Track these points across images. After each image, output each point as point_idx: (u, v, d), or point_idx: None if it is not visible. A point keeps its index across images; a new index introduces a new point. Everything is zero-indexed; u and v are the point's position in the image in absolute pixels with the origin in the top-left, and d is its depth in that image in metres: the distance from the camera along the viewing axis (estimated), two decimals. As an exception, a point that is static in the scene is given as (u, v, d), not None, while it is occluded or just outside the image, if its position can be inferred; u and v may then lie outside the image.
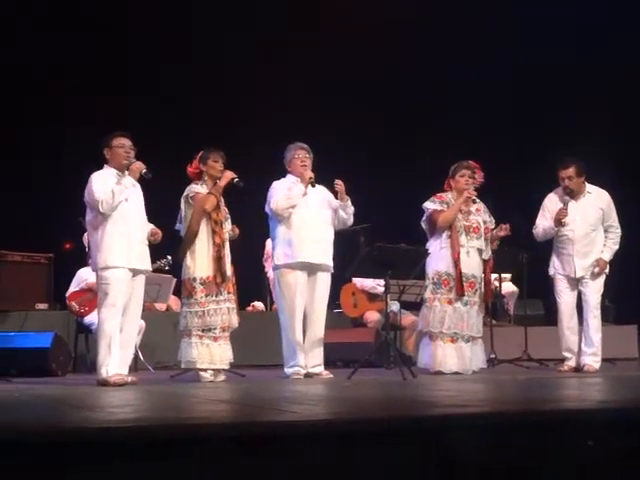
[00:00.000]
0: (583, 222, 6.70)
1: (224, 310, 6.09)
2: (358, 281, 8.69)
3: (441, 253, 6.59)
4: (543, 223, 6.81)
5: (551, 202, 6.83)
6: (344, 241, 7.28)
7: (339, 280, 7.61)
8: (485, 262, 6.75)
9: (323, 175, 6.59)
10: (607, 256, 6.72)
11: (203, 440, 2.43)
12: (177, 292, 7.54)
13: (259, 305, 9.74)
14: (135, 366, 7.24)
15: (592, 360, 6.61)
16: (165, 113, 10.36)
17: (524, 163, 10.31)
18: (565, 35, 10.42)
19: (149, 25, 10.16)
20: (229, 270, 6.17)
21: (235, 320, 6.18)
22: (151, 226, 5.90)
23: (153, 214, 5.99)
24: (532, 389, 5.05)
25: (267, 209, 6.55)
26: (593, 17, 10.34)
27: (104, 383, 5.45)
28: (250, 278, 8.85)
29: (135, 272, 5.70)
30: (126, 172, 5.73)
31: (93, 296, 6.89)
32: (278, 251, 6.54)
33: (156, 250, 6.17)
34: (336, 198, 6.57)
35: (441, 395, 4.37)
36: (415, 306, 7.78)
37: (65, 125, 9.88)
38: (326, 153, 6.78)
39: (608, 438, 2.76)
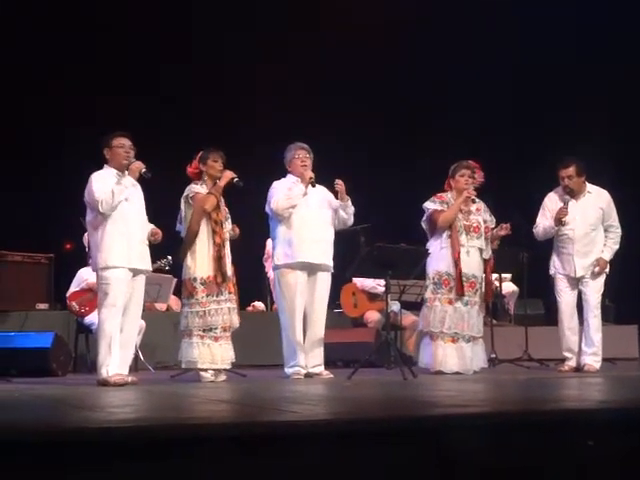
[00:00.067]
0: (583, 221, 6.70)
1: (225, 310, 6.09)
2: (358, 281, 8.69)
3: (441, 253, 6.59)
4: (543, 222, 6.81)
5: (551, 201, 6.83)
6: (344, 241, 7.28)
7: (339, 280, 7.61)
8: (486, 262, 6.76)
9: (323, 175, 6.59)
10: (607, 256, 6.72)
11: (203, 440, 2.43)
12: (177, 292, 7.54)
13: (259, 305, 9.74)
14: (135, 366, 7.24)
15: (592, 360, 6.61)
16: (165, 113, 10.37)
17: (524, 163, 10.31)
18: (565, 35, 10.42)
19: (149, 25, 10.16)
20: (230, 270, 6.17)
21: (236, 320, 6.18)
22: (151, 226, 5.90)
23: (153, 214, 5.99)
24: (532, 389, 5.05)
25: (267, 209, 6.55)
26: (593, 17, 10.34)
27: (104, 383, 5.45)
28: (250, 278, 8.85)
29: (135, 272, 5.70)
30: (126, 172, 5.73)
31: (93, 296, 6.88)
32: (278, 251, 6.54)
33: (156, 250, 6.17)
34: (336, 198, 6.57)
35: (441, 395, 4.37)
36: (415, 306, 7.78)
37: (65, 125, 9.89)
38: (326, 153, 6.78)
39: (608, 438, 2.76)
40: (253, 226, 7.16)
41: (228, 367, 6.17)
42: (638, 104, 9.77)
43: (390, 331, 6.55)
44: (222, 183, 6.18)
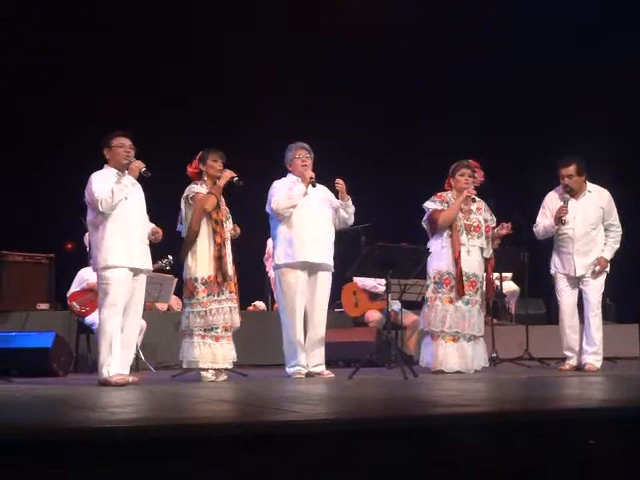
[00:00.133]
0: (583, 221, 6.69)
1: (226, 309, 6.09)
2: (359, 280, 8.69)
3: (442, 252, 6.59)
4: (543, 221, 6.81)
5: (551, 200, 6.83)
6: (345, 240, 7.28)
7: (340, 279, 7.60)
8: (486, 261, 6.76)
9: (323, 175, 6.59)
10: (608, 255, 6.71)
11: (204, 440, 2.43)
12: (178, 292, 7.54)
13: (260, 305, 9.74)
14: (136, 366, 7.24)
15: (593, 359, 6.60)
16: (165, 113, 10.36)
17: (524, 162, 10.31)
18: (565, 35, 10.42)
19: (149, 25, 10.17)
20: (231, 269, 6.17)
21: (237, 319, 6.18)
22: (152, 225, 5.90)
23: (153, 214, 5.99)
24: (533, 388, 5.05)
25: (268, 209, 6.55)
26: (593, 17, 10.34)
27: (105, 383, 5.45)
28: (251, 278, 8.85)
29: (136, 271, 5.69)
30: (126, 172, 5.73)
31: (94, 296, 6.88)
32: (279, 251, 6.54)
33: (157, 250, 6.16)
34: (337, 197, 6.57)
35: (442, 394, 4.37)
36: (416, 305, 7.78)
37: (65, 125, 9.89)
38: (326, 153, 6.78)
39: (610, 437, 2.76)
40: (254, 226, 7.16)
41: (229, 367, 6.17)
42: (638, 104, 9.77)
43: (391, 330, 6.55)
44: (221, 183, 6.17)
